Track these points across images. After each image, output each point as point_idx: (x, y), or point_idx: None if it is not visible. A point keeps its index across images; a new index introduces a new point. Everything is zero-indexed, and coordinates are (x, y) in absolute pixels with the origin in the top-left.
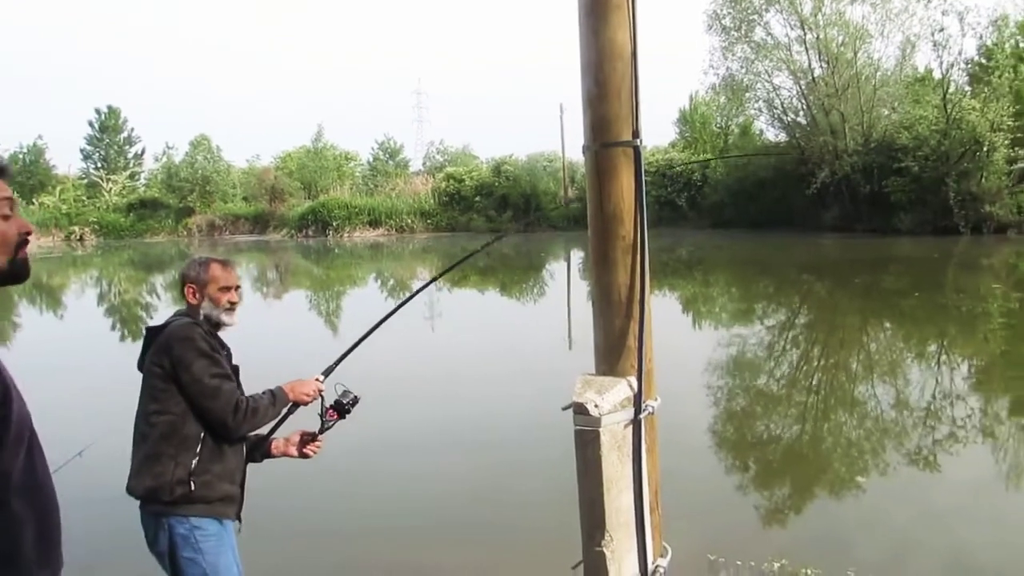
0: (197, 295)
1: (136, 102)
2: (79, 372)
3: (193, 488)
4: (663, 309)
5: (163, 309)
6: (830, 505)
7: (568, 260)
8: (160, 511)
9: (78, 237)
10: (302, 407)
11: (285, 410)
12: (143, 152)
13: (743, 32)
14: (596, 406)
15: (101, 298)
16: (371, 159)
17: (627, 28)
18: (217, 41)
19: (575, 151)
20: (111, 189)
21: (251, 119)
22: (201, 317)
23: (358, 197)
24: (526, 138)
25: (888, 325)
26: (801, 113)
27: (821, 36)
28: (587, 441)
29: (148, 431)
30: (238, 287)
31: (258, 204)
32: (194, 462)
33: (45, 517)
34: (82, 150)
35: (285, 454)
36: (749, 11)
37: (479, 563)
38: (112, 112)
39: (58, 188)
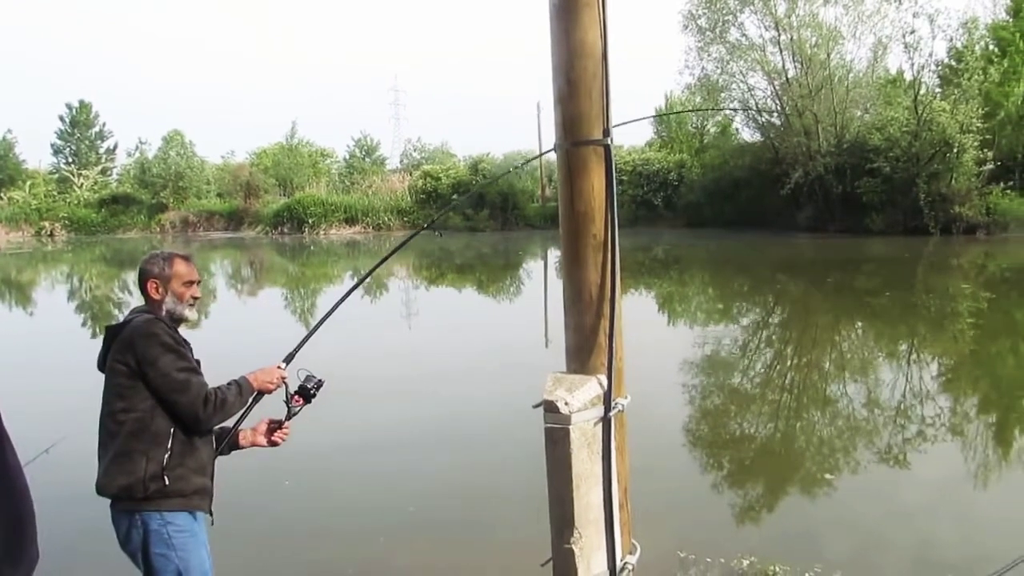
0: (160, 290)
1: (109, 97)
2: (48, 369)
3: (167, 483)
4: (638, 308)
5: (135, 304)
6: (800, 503)
7: (545, 258)
8: (134, 508)
9: (48, 232)
10: (267, 396)
11: (251, 400)
12: (115, 147)
13: (718, 32)
14: (566, 404)
15: (71, 294)
16: (347, 156)
17: (597, 27)
18: (191, 36)
19: None
20: (82, 184)
21: (226, 115)
22: (164, 312)
23: (334, 194)
24: (503, 136)
25: (860, 324)
26: (775, 114)
27: (795, 37)
28: (557, 439)
29: (116, 429)
30: (199, 282)
31: (233, 201)
32: (166, 457)
33: (18, 513)
34: (52, 145)
35: (254, 444)
36: (724, 11)
37: (450, 561)
38: (83, 107)
39: (28, 183)
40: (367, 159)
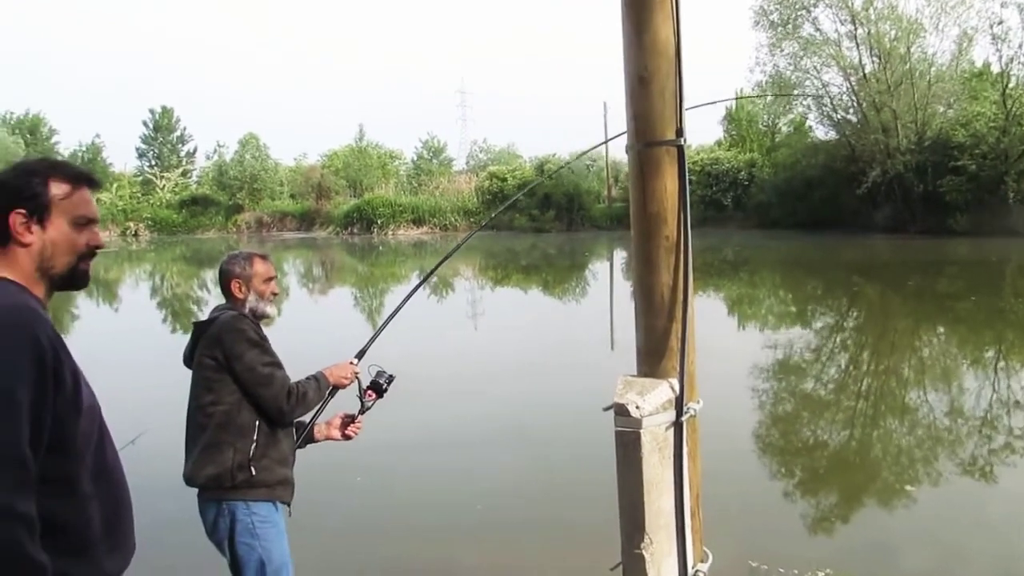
0: (243, 289)
1: (189, 103)
2: (132, 363)
3: (254, 473)
4: (707, 310)
5: (213, 302)
6: (877, 514)
7: (611, 260)
8: (221, 497)
9: (133, 232)
10: (341, 391)
11: (327, 394)
12: (195, 150)
13: (791, 28)
14: (637, 407)
15: (154, 292)
16: (415, 158)
17: (671, 25)
18: (267, 41)
19: (619, 150)
20: (164, 186)
21: (299, 118)
22: (247, 310)
23: (402, 195)
24: (570, 137)
25: (942, 330)
26: (851, 110)
27: (872, 31)
28: (627, 443)
29: (205, 422)
30: (275, 278)
31: (305, 202)
32: (252, 448)
33: (116, 503)
34: (137, 149)
35: (328, 437)
36: (797, 6)
37: (516, 561)
38: (165, 112)
39: (115, 185)
40: (434, 160)
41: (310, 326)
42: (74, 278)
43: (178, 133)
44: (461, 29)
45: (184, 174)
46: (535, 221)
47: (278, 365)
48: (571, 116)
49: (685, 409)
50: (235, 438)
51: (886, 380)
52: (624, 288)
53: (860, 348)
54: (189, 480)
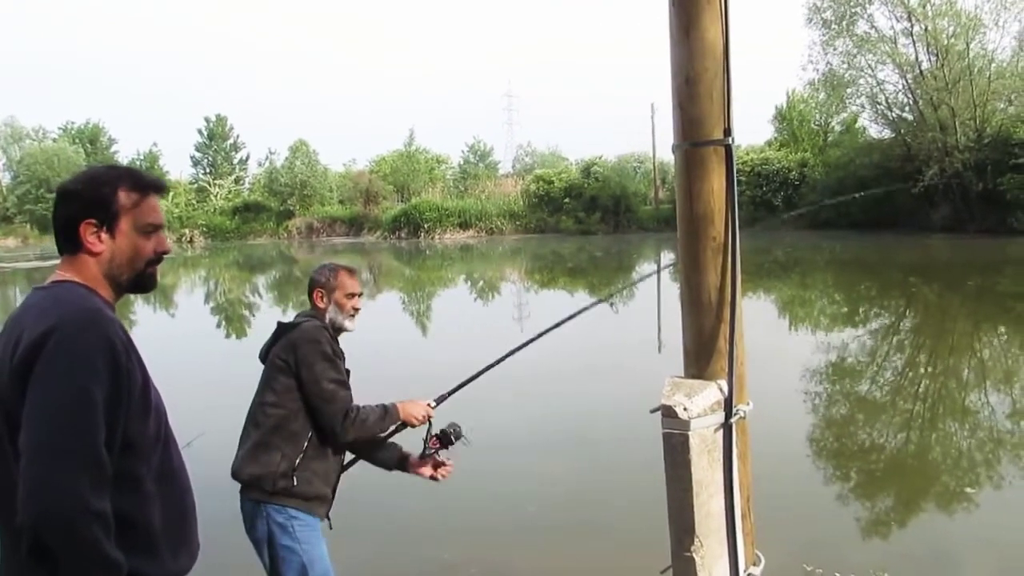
0: (325, 299)
1: (242, 110)
2: (188, 366)
3: (295, 483)
4: (758, 311)
5: (264, 308)
6: (936, 519)
7: (658, 262)
8: (259, 498)
9: (188, 239)
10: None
11: (393, 427)
12: (247, 158)
13: (845, 25)
14: (685, 409)
15: (208, 297)
16: (461, 162)
17: (719, 24)
18: (315, 50)
19: (666, 151)
20: (218, 193)
21: (348, 124)
22: (326, 320)
23: (449, 199)
24: (616, 139)
25: (1003, 331)
26: (907, 108)
27: (930, 27)
28: (676, 445)
29: (262, 420)
30: (360, 294)
31: (353, 207)
32: (298, 458)
33: (181, 504)
34: (192, 157)
35: (418, 473)
36: (852, 3)
37: (567, 564)
38: (220, 120)
39: (171, 193)
40: (480, 164)
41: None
42: (142, 282)
43: (231, 141)
44: (508, 33)
45: (237, 181)
46: (581, 223)
47: (344, 384)
48: (617, 118)
49: (734, 411)
50: (285, 444)
51: (945, 382)
52: (672, 291)
53: (917, 349)
54: (235, 473)
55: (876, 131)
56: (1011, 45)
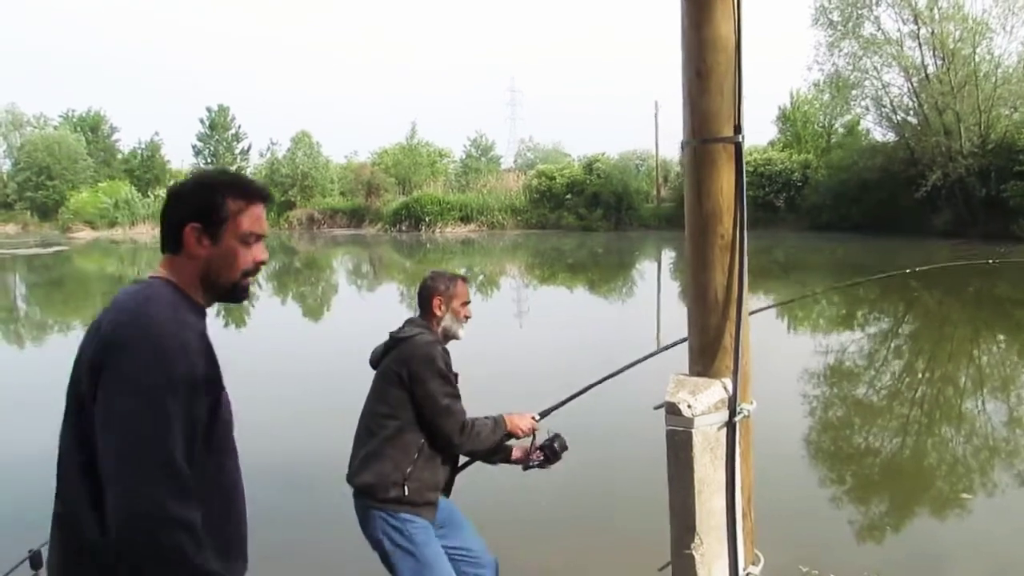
0: (443, 307)
1: (244, 101)
2: None
3: (406, 492)
4: (756, 313)
5: (265, 298)
6: (931, 523)
7: (659, 260)
8: (371, 505)
9: None
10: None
11: (500, 438)
12: (249, 148)
13: (851, 27)
14: (689, 407)
15: None
16: (464, 156)
17: (731, 20)
18: (318, 41)
19: (669, 149)
20: None
21: (350, 116)
22: (439, 328)
23: (450, 193)
24: (618, 136)
25: (1002, 337)
26: (912, 112)
27: (936, 31)
28: (679, 442)
29: (375, 429)
30: (470, 302)
31: (355, 199)
32: (410, 468)
33: (238, 515)
34: (194, 147)
35: (517, 462)
36: (859, 5)
37: (564, 561)
38: (222, 110)
39: (172, 182)
40: (482, 159)
41: (358, 321)
42: (235, 293)
43: (233, 131)
44: (512, 27)
45: (238, 171)
46: (583, 220)
47: (457, 397)
48: (620, 114)
49: (738, 410)
50: (398, 454)
51: (942, 387)
52: (672, 289)
53: (915, 354)
54: (349, 479)
55: (880, 134)
56: (1018, 51)
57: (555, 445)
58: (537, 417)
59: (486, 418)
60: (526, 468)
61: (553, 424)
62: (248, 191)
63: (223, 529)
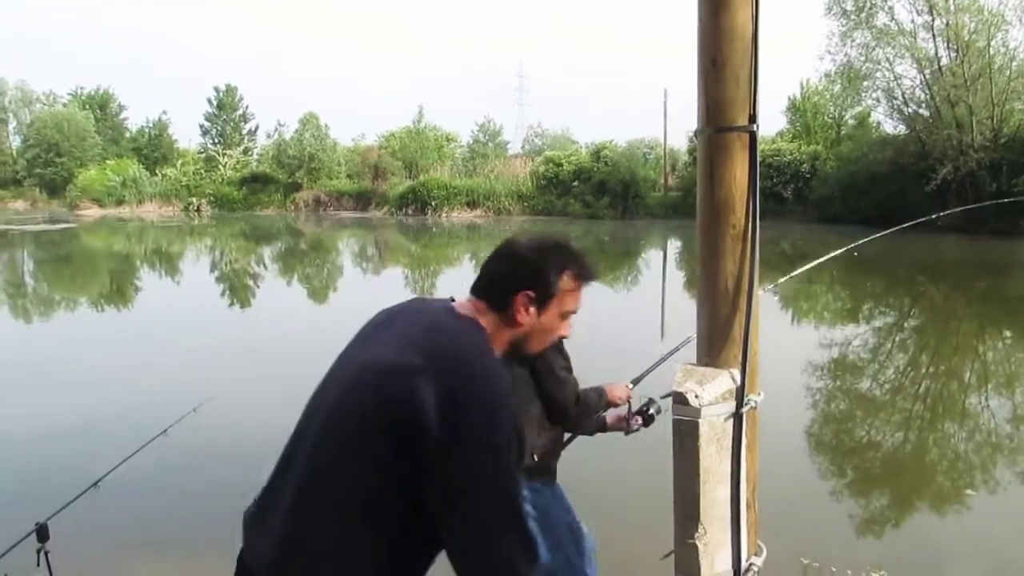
0: None
1: (252, 81)
2: (194, 334)
3: (535, 459)
4: (762, 304)
5: (269, 279)
6: (932, 518)
7: (665, 249)
8: None
9: (195, 208)
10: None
11: (602, 408)
12: (256, 129)
13: (864, 17)
14: (696, 397)
15: (213, 266)
16: (471, 140)
17: (749, 8)
18: (330, 21)
19: (677, 138)
20: (226, 163)
21: (357, 99)
22: None
23: (457, 178)
24: (627, 124)
25: (1009, 334)
26: (924, 104)
27: (951, 22)
28: (685, 432)
29: None
30: None
31: (361, 182)
32: (534, 437)
33: None
34: (201, 126)
35: (614, 428)
36: None
37: None
38: (230, 90)
39: (179, 161)
40: (490, 144)
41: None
42: (528, 357)
43: (241, 111)
44: (520, 11)
45: (245, 152)
46: (589, 207)
47: (571, 370)
48: (629, 102)
49: (746, 400)
50: (523, 426)
51: (946, 383)
52: (677, 278)
53: (920, 349)
54: None
55: (891, 126)
56: None
57: (651, 411)
58: (630, 385)
59: (591, 389)
60: (628, 433)
61: None
62: (585, 273)
63: None
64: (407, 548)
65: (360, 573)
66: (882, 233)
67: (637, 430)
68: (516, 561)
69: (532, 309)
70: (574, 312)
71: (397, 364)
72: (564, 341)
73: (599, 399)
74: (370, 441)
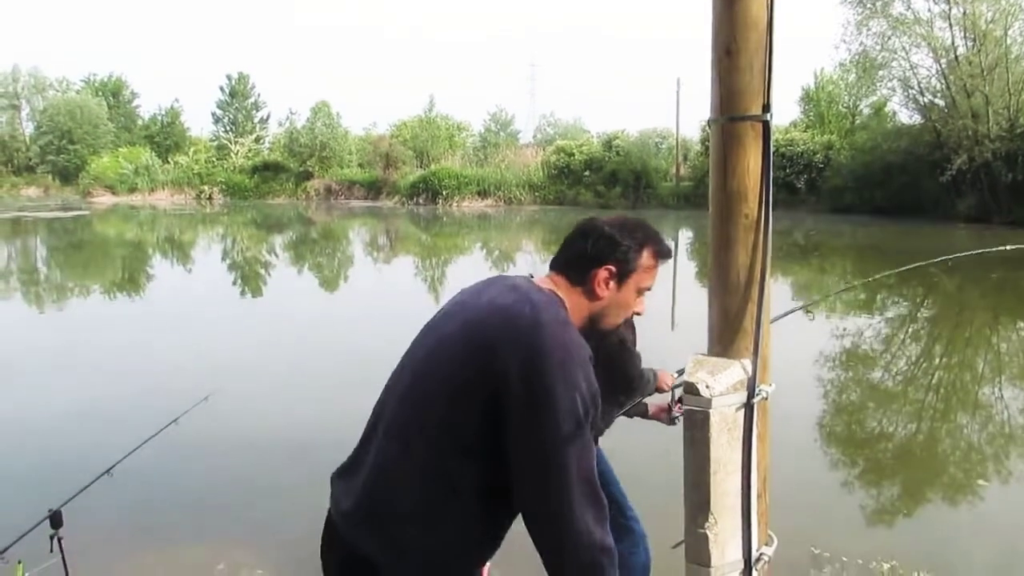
0: None
1: (263, 70)
2: (204, 323)
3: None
4: (774, 294)
5: (281, 268)
6: (944, 509)
7: (676, 239)
8: None
9: (207, 196)
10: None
11: (652, 392)
12: (268, 117)
13: (880, 5)
14: (708, 387)
15: (225, 254)
16: (483, 130)
17: None
18: (341, 9)
19: (689, 128)
20: (238, 151)
21: (369, 88)
22: None
23: (468, 167)
24: (639, 113)
25: (1023, 325)
26: (939, 94)
27: (968, 11)
28: (696, 422)
29: None
30: None
31: (372, 171)
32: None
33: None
34: (213, 114)
35: (657, 419)
36: None
37: None
38: (242, 78)
39: (191, 149)
40: (501, 133)
41: (371, 292)
42: (604, 333)
43: (252, 99)
44: (533, 1)
45: (257, 140)
46: (600, 197)
47: (635, 344)
48: (641, 92)
49: (757, 391)
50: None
51: (959, 374)
52: (688, 269)
53: (933, 340)
54: None
55: (906, 116)
56: None
57: None
58: (675, 375)
59: (649, 368)
60: (671, 423)
61: None
62: (663, 251)
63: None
64: (486, 508)
65: (441, 531)
66: (964, 254)
67: (678, 417)
68: (588, 520)
69: (612, 284)
70: (649, 289)
71: (484, 329)
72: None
73: (652, 381)
74: (455, 399)
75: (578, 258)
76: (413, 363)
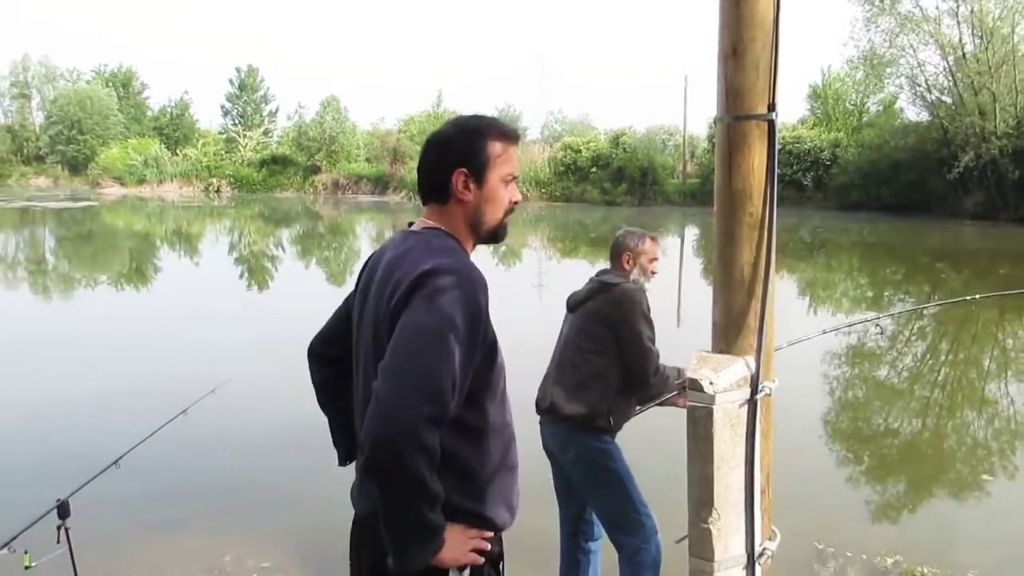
0: (631, 262)
1: (273, 63)
2: (213, 316)
3: (611, 421)
4: (780, 290)
5: (287, 259)
6: (949, 504)
7: (682, 236)
8: (580, 432)
9: (215, 188)
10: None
11: (677, 387)
12: (277, 111)
13: (888, 3)
14: (711, 383)
15: (232, 247)
16: None
17: None
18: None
19: (697, 125)
20: (246, 145)
21: (378, 82)
22: (630, 280)
23: None
24: (646, 110)
25: None
26: (947, 91)
27: (975, 9)
28: (700, 417)
29: (581, 364)
30: (658, 260)
31: (380, 166)
32: (612, 401)
33: (508, 458)
34: (222, 107)
35: (677, 406)
36: None
37: None
38: (251, 71)
39: (200, 141)
40: None
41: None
42: (497, 233)
43: (261, 93)
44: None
45: (265, 133)
46: (607, 194)
47: (654, 342)
48: (649, 89)
49: (760, 388)
50: (603, 387)
51: (965, 371)
52: (694, 266)
53: (939, 336)
54: (550, 407)
55: (913, 113)
56: None
57: None
58: None
59: (672, 366)
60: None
61: None
62: (507, 133)
63: (501, 470)
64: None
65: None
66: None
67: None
68: (411, 416)
69: (471, 183)
70: (513, 175)
71: (381, 300)
72: (651, 313)
73: (677, 377)
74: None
75: (432, 175)
76: (360, 342)
